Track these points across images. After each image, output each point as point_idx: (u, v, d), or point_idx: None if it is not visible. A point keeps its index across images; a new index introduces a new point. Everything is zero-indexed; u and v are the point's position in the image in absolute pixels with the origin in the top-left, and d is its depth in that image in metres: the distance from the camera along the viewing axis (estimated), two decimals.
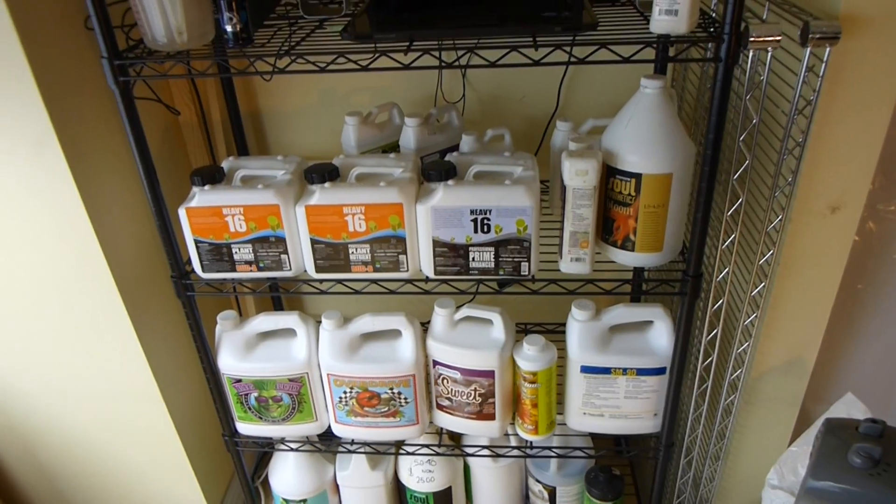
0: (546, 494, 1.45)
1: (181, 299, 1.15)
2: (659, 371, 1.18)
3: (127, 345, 1.26)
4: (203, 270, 1.12)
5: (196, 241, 1.09)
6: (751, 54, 0.90)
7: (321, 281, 1.12)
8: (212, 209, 1.06)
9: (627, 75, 1.32)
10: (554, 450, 1.32)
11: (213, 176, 1.07)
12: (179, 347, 1.39)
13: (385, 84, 1.38)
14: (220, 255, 1.09)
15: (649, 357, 1.18)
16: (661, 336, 1.18)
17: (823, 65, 0.84)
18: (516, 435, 1.29)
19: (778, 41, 0.84)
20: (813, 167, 0.94)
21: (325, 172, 1.05)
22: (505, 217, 1.02)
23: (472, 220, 1.03)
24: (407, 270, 1.08)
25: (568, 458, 1.42)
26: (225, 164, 1.14)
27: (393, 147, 1.26)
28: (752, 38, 0.84)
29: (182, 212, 1.06)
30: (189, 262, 1.13)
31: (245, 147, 1.41)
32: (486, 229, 1.03)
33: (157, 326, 1.32)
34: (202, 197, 1.05)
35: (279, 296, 1.61)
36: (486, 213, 1.02)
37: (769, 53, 0.89)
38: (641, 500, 1.62)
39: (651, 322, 1.19)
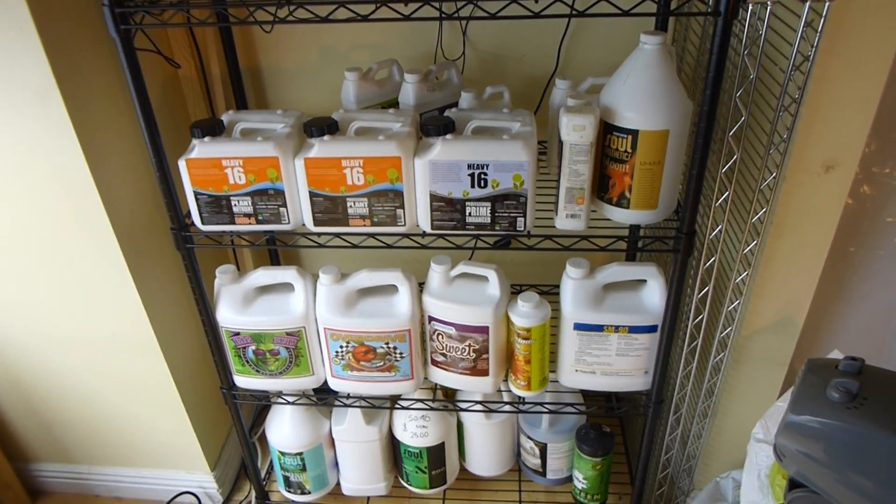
0: (537, 451, 1.48)
1: (180, 252, 1.16)
2: (651, 329, 1.20)
3: (126, 297, 1.28)
4: (203, 223, 1.12)
5: (196, 193, 1.09)
6: (749, 8, 0.90)
7: (319, 234, 1.13)
8: (211, 161, 1.06)
9: (628, 34, 1.32)
10: (545, 405, 1.35)
11: (213, 128, 1.07)
12: (178, 300, 1.41)
13: (385, 41, 1.37)
14: (219, 207, 1.10)
15: (641, 315, 1.20)
16: (653, 294, 1.20)
17: (822, 20, 0.84)
18: (509, 391, 1.32)
19: None
20: (808, 124, 0.95)
21: (324, 126, 1.05)
22: (502, 172, 1.03)
23: (469, 175, 1.03)
24: (404, 224, 1.09)
25: (559, 413, 1.44)
26: (225, 118, 1.14)
27: (392, 104, 1.27)
28: None
29: (182, 163, 1.07)
30: (188, 214, 1.14)
31: (245, 103, 1.41)
32: (483, 184, 1.04)
33: (156, 279, 1.33)
34: (202, 148, 1.06)
35: (276, 249, 1.63)
36: (483, 168, 1.03)
37: (768, 8, 0.89)
38: (630, 456, 1.65)
39: (644, 281, 1.21)
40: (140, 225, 1.27)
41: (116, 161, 1.20)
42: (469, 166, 1.03)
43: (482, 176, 1.03)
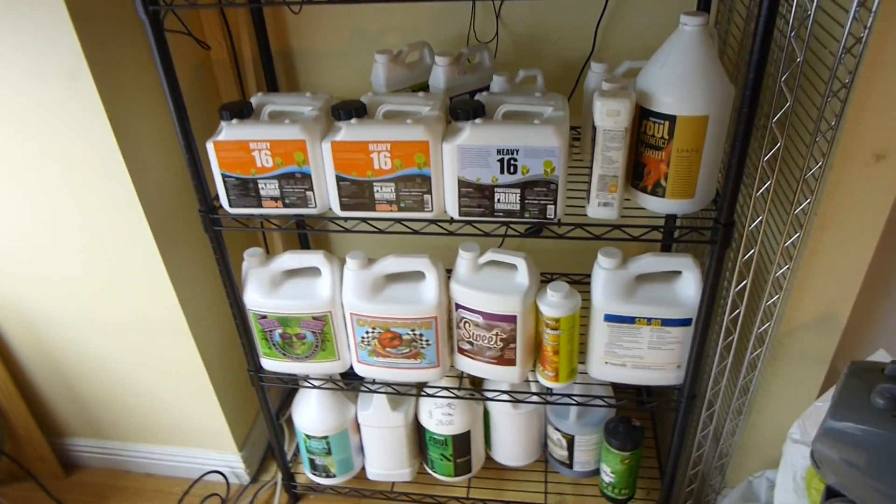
0: (565, 443, 1.46)
1: (208, 234, 1.16)
2: (685, 322, 1.17)
3: (156, 278, 1.29)
4: (230, 205, 1.12)
5: (223, 176, 1.09)
6: None
7: (346, 219, 1.11)
8: (238, 143, 1.05)
9: (669, 15, 1.27)
10: (574, 397, 1.32)
11: (241, 110, 1.07)
12: (207, 282, 1.42)
13: (416, 23, 1.35)
14: (246, 190, 1.10)
15: (675, 308, 1.16)
16: (688, 287, 1.16)
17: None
18: (537, 381, 1.30)
19: None
20: (858, 111, 0.90)
21: (351, 109, 1.04)
22: (532, 157, 1.00)
23: (498, 161, 1.01)
24: (431, 210, 1.07)
25: (588, 406, 1.42)
26: (253, 100, 1.13)
27: (422, 87, 1.24)
28: None
29: (210, 145, 1.07)
30: (217, 197, 1.14)
31: (275, 85, 1.40)
32: (512, 170, 1.01)
33: (186, 261, 1.34)
34: (229, 131, 1.05)
35: (305, 233, 1.62)
36: (513, 154, 1.00)
37: None
38: (661, 451, 1.62)
39: (679, 272, 1.17)
40: (170, 206, 1.28)
41: (147, 142, 1.21)
42: (498, 151, 1.00)
43: (512, 162, 1.00)
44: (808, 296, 1.12)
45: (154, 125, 1.22)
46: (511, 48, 1.35)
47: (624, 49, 1.32)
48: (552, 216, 1.05)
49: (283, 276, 1.26)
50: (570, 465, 1.49)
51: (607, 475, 1.43)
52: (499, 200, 1.05)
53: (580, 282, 1.43)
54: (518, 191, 1.03)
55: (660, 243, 1.49)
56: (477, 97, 1.10)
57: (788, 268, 1.05)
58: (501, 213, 1.06)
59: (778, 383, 1.24)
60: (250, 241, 1.56)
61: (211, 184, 1.13)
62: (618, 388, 1.47)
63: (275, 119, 1.07)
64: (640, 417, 1.49)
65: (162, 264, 1.27)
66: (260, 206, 1.11)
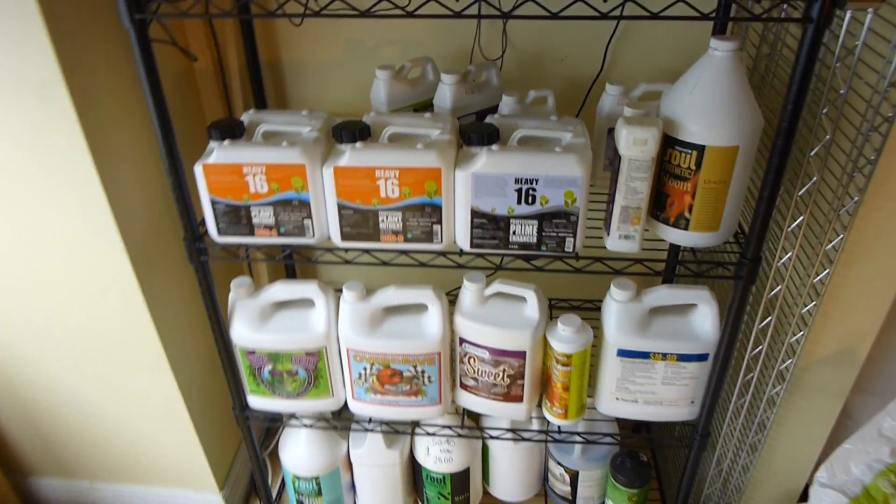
0: (568, 478, 1.39)
1: (193, 265, 1.06)
2: (701, 357, 1.11)
3: (134, 310, 1.19)
4: (219, 234, 1.03)
5: (213, 202, 1.00)
6: (848, 15, 0.80)
7: (346, 250, 1.03)
8: (231, 167, 0.96)
9: (679, 37, 1.22)
10: (581, 435, 1.26)
11: (233, 130, 0.98)
12: (188, 313, 1.32)
13: (417, 37, 1.27)
14: (238, 217, 1.01)
15: (692, 342, 1.10)
16: (704, 320, 1.10)
17: None
18: (541, 418, 1.23)
19: (882, 1, 0.74)
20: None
21: (355, 131, 0.95)
22: (553, 188, 0.93)
23: (516, 190, 0.94)
24: (441, 242, 1.00)
25: (596, 444, 1.35)
26: (245, 118, 1.04)
27: (425, 106, 1.17)
28: None
29: (198, 169, 0.97)
30: (203, 222, 1.04)
31: (264, 100, 1.31)
32: (530, 200, 0.94)
33: (166, 291, 1.24)
34: (221, 153, 0.96)
35: (293, 264, 1.52)
36: (532, 183, 0.93)
37: (868, 16, 0.79)
38: (663, 486, 1.56)
39: (694, 305, 1.12)
40: (150, 232, 1.18)
41: (126, 163, 1.11)
42: (516, 181, 0.93)
43: (531, 192, 0.94)
44: (829, 331, 1.08)
45: (133, 142, 1.12)
46: (515, 65, 1.29)
47: (633, 69, 1.26)
48: (570, 249, 0.98)
49: (274, 308, 1.16)
50: (573, 501, 1.42)
51: None
52: (514, 232, 0.97)
53: (580, 307, 1.37)
54: (535, 222, 0.96)
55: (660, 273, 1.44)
56: (488, 119, 1.03)
57: (815, 304, 1.01)
58: (516, 246, 0.99)
59: (792, 417, 1.20)
60: (234, 270, 1.46)
61: (197, 209, 1.03)
62: (619, 422, 1.41)
63: (270, 140, 0.99)
64: (638, 447, 1.43)
65: (140, 294, 1.17)
66: (252, 234, 1.02)
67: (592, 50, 1.25)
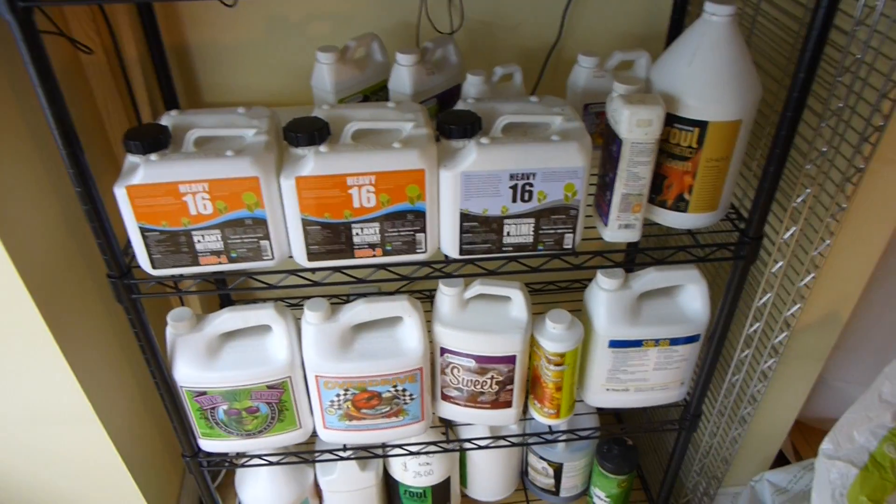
0: (551, 471, 1.33)
1: (123, 304, 0.87)
2: (692, 339, 1.06)
3: (48, 360, 0.98)
4: (153, 266, 0.85)
5: (143, 230, 0.81)
6: None
7: (314, 270, 0.88)
8: (163, 186, 0.78)
9: (639, 0, 1.13)
10: (572, 432, 1.19)
11: (159, 139, 0.79)
12: (114, 357, 1.11)
13: (350, 9, 1.11)
14: (176, 245, 0.83)
15: (684, 325, 1.05)
16: (693, 300, 1.05)
17: None
18: (527, 419, 1.15)
19: None
20: None
21: (314, 131, 0.80)
22: (551, 181, 0.82)
23: (510, 187, 0.82)
24: (424, 251, 0.87)
25: (586, 438, 1.29)
26: (166, 121, 0.85)
27: (375, 91, 1.02)
28: None
29: (120, 192, 0.78)
30: (126, 249, 0.86)
31: (173, 93, 1.10)
32: (527, 197, 0.83)
33: (83, 333, 1.03)
34: (149, 170, 0.78)
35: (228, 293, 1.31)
36: (528, 178, 0.82)
37: None
38: (644, 468, 1.53)
39: (681, 285, 1.06)
40: (55, 270, 0.96)
41: (17, 190, 0.89)
42: (511, 177, 0.81)
43: (527, 188, 0.82)
44: (818, 299, 1.05)
45: (22, 164, 0.90)
46: (464, 35, 1.15)
47: (592, 37, 1.16)
48: (570, 245, 0.89)
49: (222, 339, 0.99)
50: (557, 493, 1.37)
51: (601, 499, 1.33)
52: (508, 234, 0.86)
53: (544, 291, 1.30)
54: (532, 220, 0.85)
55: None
56: (459, 105, 0.90)
57: (813, 277, 0.97)
58: (511, 248, 0.88)
59: (776, 385, 1.19)
60: (163, 301, 1.25)
61: (120, 236, 0.84)
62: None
63: (208, 148, 0.81)
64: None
65: (52, 340, 0.96)
66: (196, 263, 0.85)
67: (547, 16, 1.14)
